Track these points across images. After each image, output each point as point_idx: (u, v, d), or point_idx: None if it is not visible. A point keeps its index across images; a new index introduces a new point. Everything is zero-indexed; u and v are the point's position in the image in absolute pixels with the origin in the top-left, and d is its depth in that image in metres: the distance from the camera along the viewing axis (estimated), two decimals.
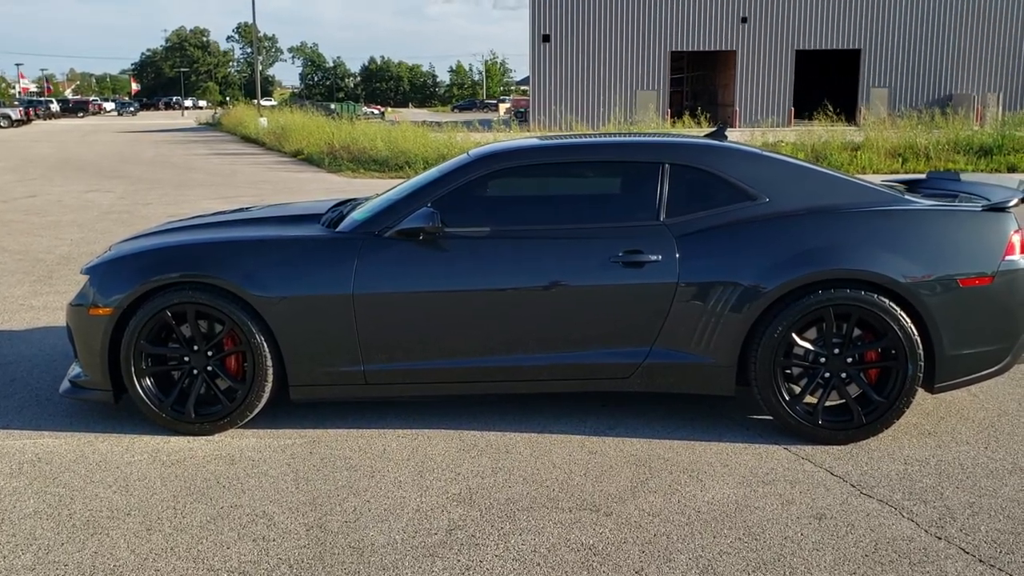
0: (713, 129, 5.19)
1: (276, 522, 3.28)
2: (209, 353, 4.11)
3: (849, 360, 3.93)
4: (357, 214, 4.31)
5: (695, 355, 3.99)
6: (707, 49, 42.46)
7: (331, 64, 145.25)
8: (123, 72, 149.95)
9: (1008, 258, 3.95)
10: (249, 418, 4.15)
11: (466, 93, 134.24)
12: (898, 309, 3.84)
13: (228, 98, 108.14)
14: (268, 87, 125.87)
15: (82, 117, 72.36)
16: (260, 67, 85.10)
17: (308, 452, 3.93)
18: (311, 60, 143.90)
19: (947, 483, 3.56)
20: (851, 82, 42.57)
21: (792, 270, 3.86)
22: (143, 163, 22.47)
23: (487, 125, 32.12)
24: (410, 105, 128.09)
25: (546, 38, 41.68)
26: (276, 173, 19.44)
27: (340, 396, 4.17)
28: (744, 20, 41.42)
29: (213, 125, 47.32)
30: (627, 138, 4.54)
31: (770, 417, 4.17)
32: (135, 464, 3.82)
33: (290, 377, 4.10)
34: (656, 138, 4.44)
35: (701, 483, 3.58)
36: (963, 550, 3.04)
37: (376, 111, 69.99)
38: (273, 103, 65.76)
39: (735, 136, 6.88)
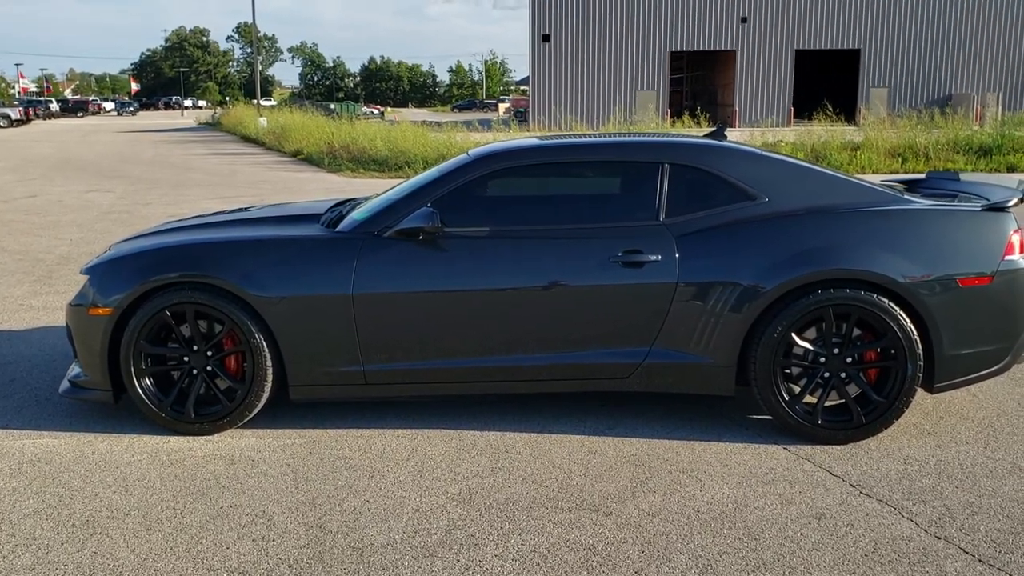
0: (712, 129, 5.19)
1: (276, 522, 3.28)
2: (209, 353, 4.11)
3: (848, 360, 3.93)
4: (356, 214, 4.31)
5: (694, 355, 3.99)
6: (707, 49, 42.47)
7: (331, 64, 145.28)
8: (123, 72, 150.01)
9: (1008, 258, 3.95)
10: (249, 418, 4.15)
11: (466, 93, 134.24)
12: (897, 309, 3.84)
13: (228, 98, 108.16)
14: (268, 87, 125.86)
15: (82, 117, 72.35)
16: (260, 67, 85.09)
17: (308, 452, 3.93)
18: (311, 60, 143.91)
19: (946, 483, 3.56)
20: (851, 82, 42.59)
21: (791, 270, 3.86)
22: (143, 163, 22.47)
23: (487, 125, 32.13)
24: (410, 105, 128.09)
25: (546, 38, 41.69)
26: (276, 173, 19.44)
27: (340, 396, 4.17)
28: (744, 20, 41.44)
29: (213, 125, 47.32)
30: (627, 138, 4.54)
31: (769, 417, 4.17)
32: (135, 464, 3.82)
33: (290, 377, 4.09)
34: (656, 138, 4.44)
35: (700, 483, 3.58)
36: (962, 550, 3.04)
37: (376, 111, 70.01)
38: (273, 103, 65.78)
39: (734, 136, 6.89)
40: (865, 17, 41.31)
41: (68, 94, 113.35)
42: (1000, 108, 35.34)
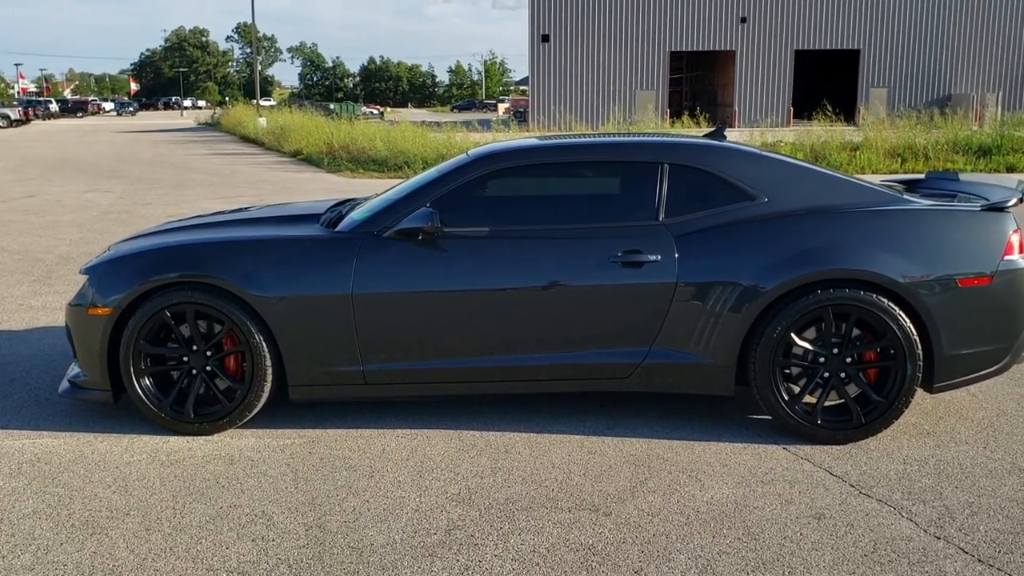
0: (712, 129, 5.19)
1: (275, 522, 3.28)
2: (208, 353, 4.11)
3: (848, 360, 3.93)
4: (356, 214, 4.31)
5: (694, 355, 3.99)
6: (706, 49, 42.48)
7: (330, 64, 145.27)
8: (122, 72, 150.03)
9: (1007, 258, 3.95)
10: (248, 418, 4.15)
11: (465, 93, 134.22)
12: (897, 309, 3.84)
13: (227, 98, 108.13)
14: (267, 87, 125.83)
15: (81, 117, 72.33)
16: (259, 67, 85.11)
17: (307, 452, 3.93)
18: (310, 60, 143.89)
19: (946, 483, 3.56)
20: (850, 82, 42.60)
21: (791, 270, 3.86)
22: (142, 163, 22.47)
23: (486, 125, 32.11)
24: (409, 105, 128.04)
25: (545, 38, 41.69)
26: (275, 173, 19.44)
27: (339, 396, 4.17)
28: (743, 20, 41.45)
29: (212, 125, 47.33)
30: (626, 138, 4.54)
31: (769, 417, 4.17)
32: (134, 464, 3.82)
33: (289, 377, 4.09)
34: (655, 138, 4.44)
35: (700, 483, 3.58)
36: (962, 550, 3.04)
37: (375, 111, 69.98)
38: (272, 103, 65.77)
39: (734, 136, 6.88)
40: (865, 17, 41.33)
41: (67, 94, 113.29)
42: (1000, 108, 35.32)
